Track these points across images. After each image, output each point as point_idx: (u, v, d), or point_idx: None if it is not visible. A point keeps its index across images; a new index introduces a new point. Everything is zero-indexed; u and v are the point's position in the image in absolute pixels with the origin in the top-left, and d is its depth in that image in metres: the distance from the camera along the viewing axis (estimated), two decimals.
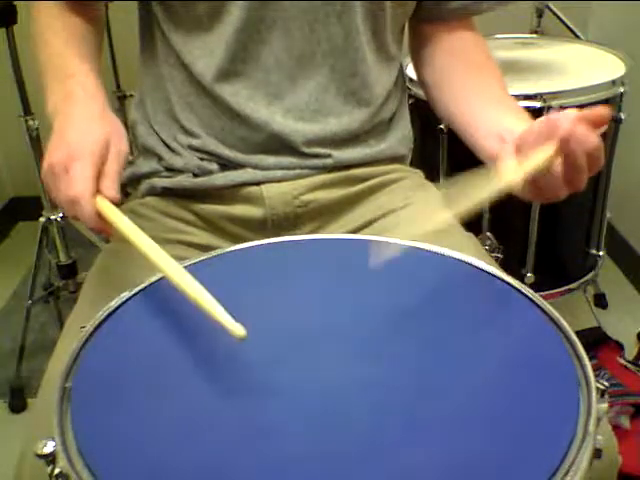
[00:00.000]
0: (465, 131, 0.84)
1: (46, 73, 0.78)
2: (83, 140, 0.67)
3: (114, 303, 0.61)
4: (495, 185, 0.63)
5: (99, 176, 0.66)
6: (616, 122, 1.41)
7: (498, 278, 0.64)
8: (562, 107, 1.29)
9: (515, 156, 0.67)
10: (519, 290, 0.62)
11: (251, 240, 0.73)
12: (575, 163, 0.63)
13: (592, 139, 0.62)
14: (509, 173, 0.64)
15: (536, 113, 1.28)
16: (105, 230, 0.65)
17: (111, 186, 0.66)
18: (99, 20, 0.87)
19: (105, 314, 0.60)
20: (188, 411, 0.49)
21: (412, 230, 0.81)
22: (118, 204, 0.66)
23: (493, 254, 1.38)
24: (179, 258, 0.69)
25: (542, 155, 0.64)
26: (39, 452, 0.45)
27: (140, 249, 0.63)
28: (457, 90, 0.87)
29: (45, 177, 0.67)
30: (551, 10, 1.74)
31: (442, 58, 0.90)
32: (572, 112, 0.65)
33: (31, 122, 1.51)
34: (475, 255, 0.67)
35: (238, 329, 0.52)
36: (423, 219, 0.68)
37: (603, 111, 0.64)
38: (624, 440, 1.29)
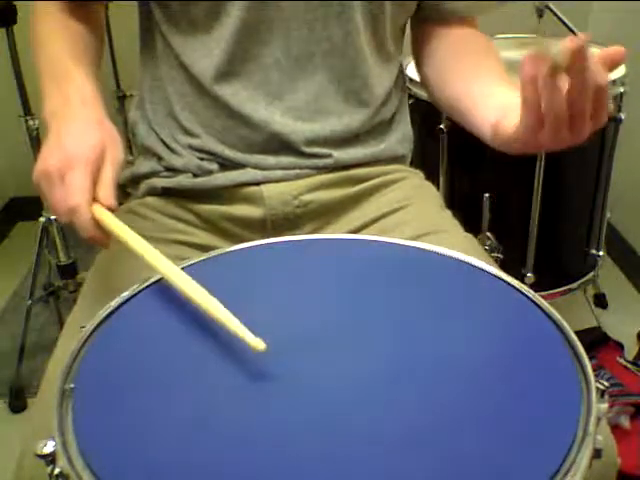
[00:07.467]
0: (466, 114, 0.81)
1: (44, 76, 0.77)
2: (79, 146, 0.66)
3: (114, 303, 0.61)
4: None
5: (95, 184, 0.65)
6: (616, 122, 1.41)
7: (498, 278, 0.64)
8: None
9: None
10: (519, 290, 0.62)
11: (251, 240, 0.73)
12: (581, 95, 0.59)
13: (602, 76, 0.59)
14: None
15: None
16: (102, 239, 0.65)
17: (108, 194, 0.65)
18: (99, 25, 0.87)
19: (105, 314, 0.60)
20: (188, 411, 0.49)
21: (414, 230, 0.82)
22: (114, 210, 0.66)
23: (493, 254, 1.38)
24: (179, 258, 0.69)
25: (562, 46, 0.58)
26: (39, 452, 0.45)
27: (144, 258, 0.63)
28: (457, 75, 0.86)
29: (38, 181, 0.66)
30: (551, 10, 1.74)
31: (443, 51, 0.90)
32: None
33: (31, 122, 1.51)
34: (475, 255, 0.67)
35: (258, 343, 0.52)
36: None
37: (616, 52, 0.59)
38: (624, 440, 1.29)
